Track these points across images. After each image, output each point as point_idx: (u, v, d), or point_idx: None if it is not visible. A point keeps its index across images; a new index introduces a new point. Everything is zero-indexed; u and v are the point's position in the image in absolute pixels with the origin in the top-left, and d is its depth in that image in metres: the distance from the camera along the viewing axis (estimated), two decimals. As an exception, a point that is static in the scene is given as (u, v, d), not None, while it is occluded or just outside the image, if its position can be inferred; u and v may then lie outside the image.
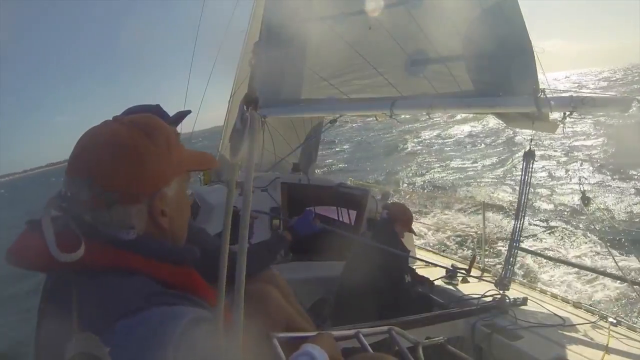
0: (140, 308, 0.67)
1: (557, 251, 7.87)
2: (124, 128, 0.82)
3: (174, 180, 0.85)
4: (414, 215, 3.19)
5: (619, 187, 12.07)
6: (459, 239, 8.13)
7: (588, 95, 2.04)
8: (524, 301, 2.76)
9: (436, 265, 3.67)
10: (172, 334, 0.64)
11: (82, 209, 0.77)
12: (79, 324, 0.66)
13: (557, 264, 6.81)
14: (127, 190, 0.78)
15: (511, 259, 2.67)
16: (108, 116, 0.91)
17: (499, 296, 2.65)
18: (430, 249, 4.90)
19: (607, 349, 2.25)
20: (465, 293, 2.92)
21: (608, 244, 6.41)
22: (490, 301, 2.65)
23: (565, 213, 9.83)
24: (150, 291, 0.72)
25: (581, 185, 2.91)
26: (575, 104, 2.04)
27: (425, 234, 8.27)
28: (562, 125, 2.30)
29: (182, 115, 1.97)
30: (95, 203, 0.76)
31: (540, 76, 2.35)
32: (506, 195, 12.18)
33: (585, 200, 2.60)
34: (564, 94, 2.22)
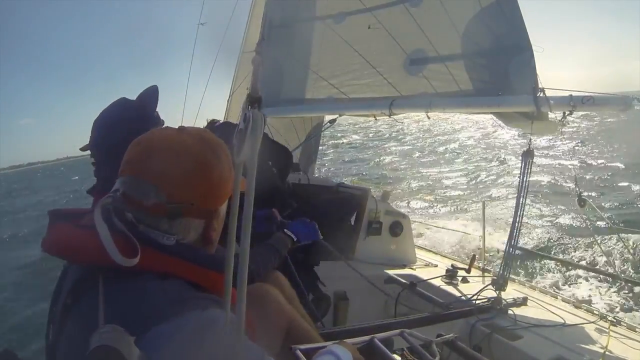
0: (175, 313, 0.68)
1: (556, 251, 7.89)
2: (195, 141, 0.82)
3: (227, 200, 0.88)
4: (414, 215, 3.18)
5: (615, 188, 12.12)
6: (459, 238, 8.14)
7: (587, 94, 2.04)
8: (524, 301, 2.75)
9: (436, 265, 3.68)
10: (206, 341, 0.66)
11: (139, 212, 0.78)
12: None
13: (557, 263, 6.83)
14: (195, 205, 0.80)
15: (508, 259, 2.67)
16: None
17: (494, 296, 2.64)
18: (430, 248, 4.90)
19: (607, 349, 2.25)
20: (465, 293, 2.92)
21: (602, 244, 6.43)
22: (485, 301, 2.65)
23: (562, 213, 9.87)
24: (185, 295, 0.74)
25: (577, 186, 2.91)
26: (575, 103, 2.04)
27: (425, 233, 8.27)
28: (561, 125, 2.30)
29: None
30: (157, 210, 0.77)
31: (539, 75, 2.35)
32: (506, 195, 12.21)
33: (582, 201, 2.60)
34: (563, 93, 2.22)
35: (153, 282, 0.73)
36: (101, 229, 0.72)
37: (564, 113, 2.17)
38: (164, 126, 0.88)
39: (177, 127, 0.88)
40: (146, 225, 0.78)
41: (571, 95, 2.06)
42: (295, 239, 1.92)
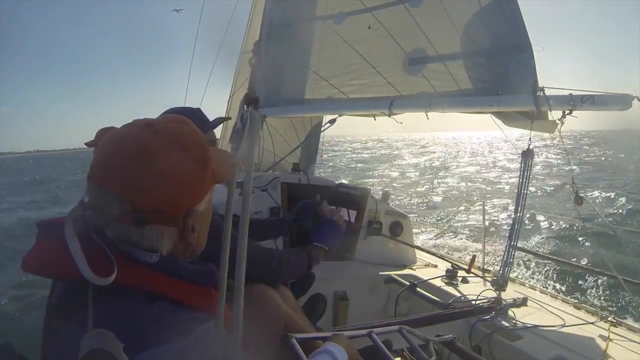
0: (162, 340, 0.66)
1: (555, 251, 7.89)
2: (159, 139, 0.74)
3: (207, 195, 0.80)
4: (414, 215, 3.18)
5: (612, 188, 12.12)
6: (459, 238, 8.13)
7: (587, 93, 2.04)
8: (524, 301, 2.75)
9: (436, 265, 3.67)
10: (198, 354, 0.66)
11: (109, 222, 0.73)
12: None
13: (556, 263, 6.82)
14: (161, 212, 0.73)
15: (508, 259, 2.66)
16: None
17: (494, 297, 2.64)
18: (430, 248, 4.90)
19: (607, 349, 2.25)
20: (465, 293, 2.91)
21: (601, 243, 6.41)
22: (485, 302, 2.64)
23: (561, 213, 9.86)
24: (171, 320, 0.71)
25: (574, 185, 2.91)
26: (575, 102, 2.03)
27: (425, 233, 8.26)
28: (560, 124, 2.30)
29: (220, 121, 1.97)
30: (124, 220, 0.72)
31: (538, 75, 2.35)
32: (506, 195, 12.21)
33: (579, 200, 2.60)
34: (563, 92, 2.21)
35: (136, 304, 0.70)
36: (72, 245, 0.68)
37: (564, 112, 2.16)
38: (132, 121, 0.80)
39: (144, 121, 0.79)
40: (126, 241, 0.74)
41: (571, 94, 2.06)
42: (327, 249, 1.94)
